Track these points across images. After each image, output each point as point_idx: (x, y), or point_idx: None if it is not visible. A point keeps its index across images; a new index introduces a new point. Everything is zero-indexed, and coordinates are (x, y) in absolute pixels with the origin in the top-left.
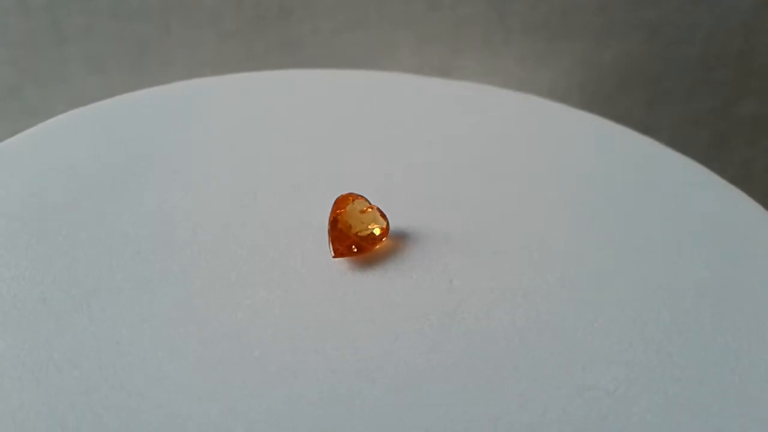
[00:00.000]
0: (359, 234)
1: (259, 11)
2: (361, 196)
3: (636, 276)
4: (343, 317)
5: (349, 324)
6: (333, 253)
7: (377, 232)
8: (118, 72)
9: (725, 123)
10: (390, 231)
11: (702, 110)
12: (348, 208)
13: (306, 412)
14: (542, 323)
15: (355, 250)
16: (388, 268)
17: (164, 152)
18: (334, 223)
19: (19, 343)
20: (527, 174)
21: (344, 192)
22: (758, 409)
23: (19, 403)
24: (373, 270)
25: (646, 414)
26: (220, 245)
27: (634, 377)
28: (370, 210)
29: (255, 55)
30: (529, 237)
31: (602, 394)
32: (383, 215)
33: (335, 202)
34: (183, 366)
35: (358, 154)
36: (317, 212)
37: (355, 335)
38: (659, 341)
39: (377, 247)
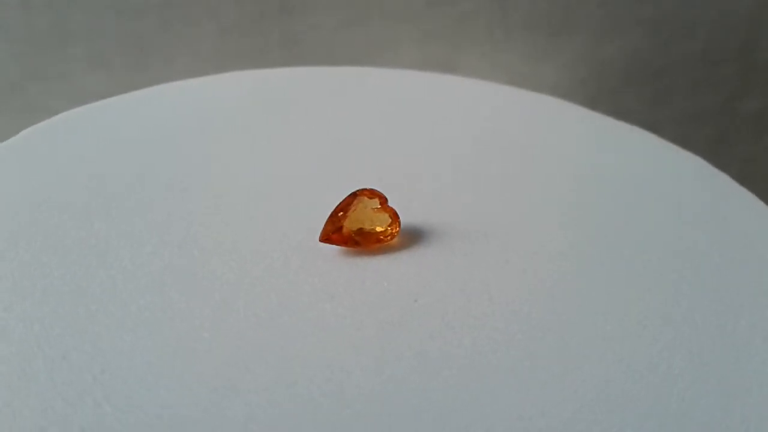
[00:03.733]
0: (362, 229)
1: (260, 7)
2: (382, 196)
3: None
4: (284, 301)
5: (283, 308)
6: (320, 236)
7: (381, 232)
8: (120, 69)
9: (728, 119)
10: (401, 234)
11: (705, 106)
12: (363, 202)
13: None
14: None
15: (356, 243)
16: (370, 268)
17: (169, 148)
18: (338, 210)
19: (19, 240)
20: (530, 172)
21: (365, 187)
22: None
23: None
24: (355, 266)
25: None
26: (218, 228)
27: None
28: (383, 210)
29: (255, 52)
30: (527, 245)
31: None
32: (396, 218)
33: (352, 194)
34: (131, 292)
35: (371, 152)
36: (327, 204)
37: (283, 322)
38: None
39: (377, 246)
